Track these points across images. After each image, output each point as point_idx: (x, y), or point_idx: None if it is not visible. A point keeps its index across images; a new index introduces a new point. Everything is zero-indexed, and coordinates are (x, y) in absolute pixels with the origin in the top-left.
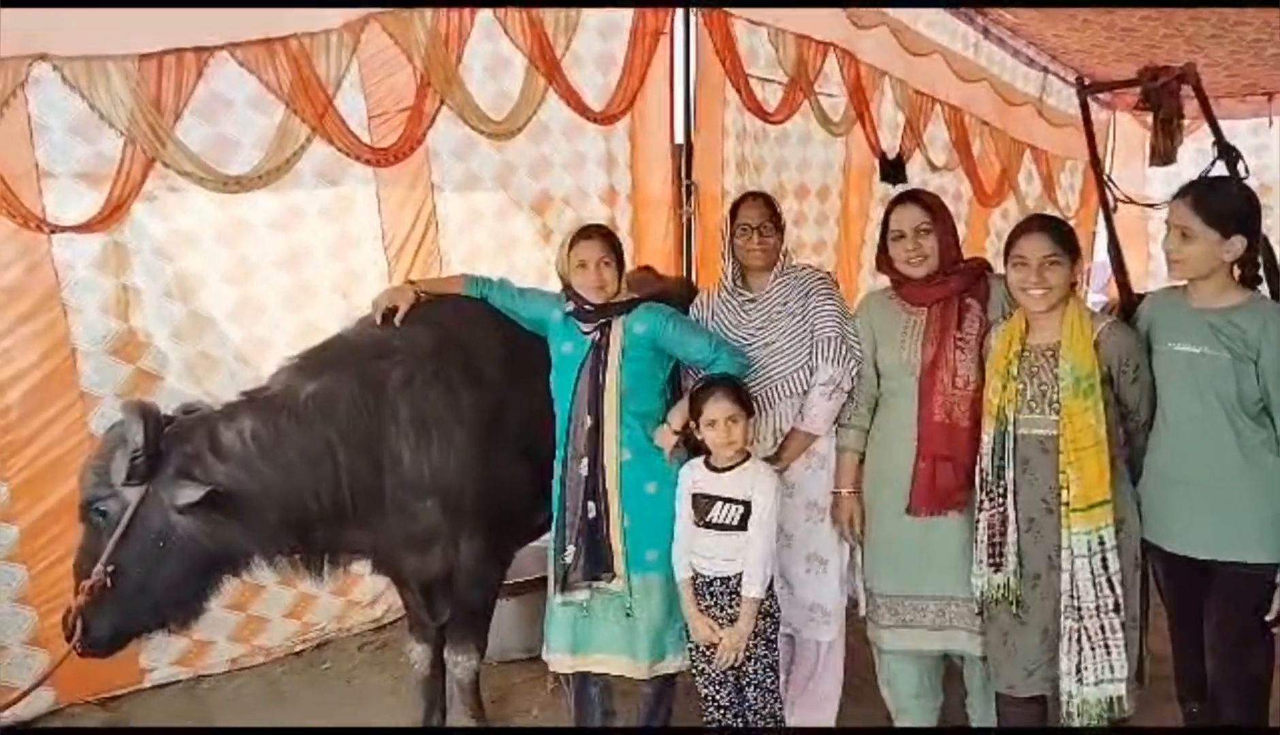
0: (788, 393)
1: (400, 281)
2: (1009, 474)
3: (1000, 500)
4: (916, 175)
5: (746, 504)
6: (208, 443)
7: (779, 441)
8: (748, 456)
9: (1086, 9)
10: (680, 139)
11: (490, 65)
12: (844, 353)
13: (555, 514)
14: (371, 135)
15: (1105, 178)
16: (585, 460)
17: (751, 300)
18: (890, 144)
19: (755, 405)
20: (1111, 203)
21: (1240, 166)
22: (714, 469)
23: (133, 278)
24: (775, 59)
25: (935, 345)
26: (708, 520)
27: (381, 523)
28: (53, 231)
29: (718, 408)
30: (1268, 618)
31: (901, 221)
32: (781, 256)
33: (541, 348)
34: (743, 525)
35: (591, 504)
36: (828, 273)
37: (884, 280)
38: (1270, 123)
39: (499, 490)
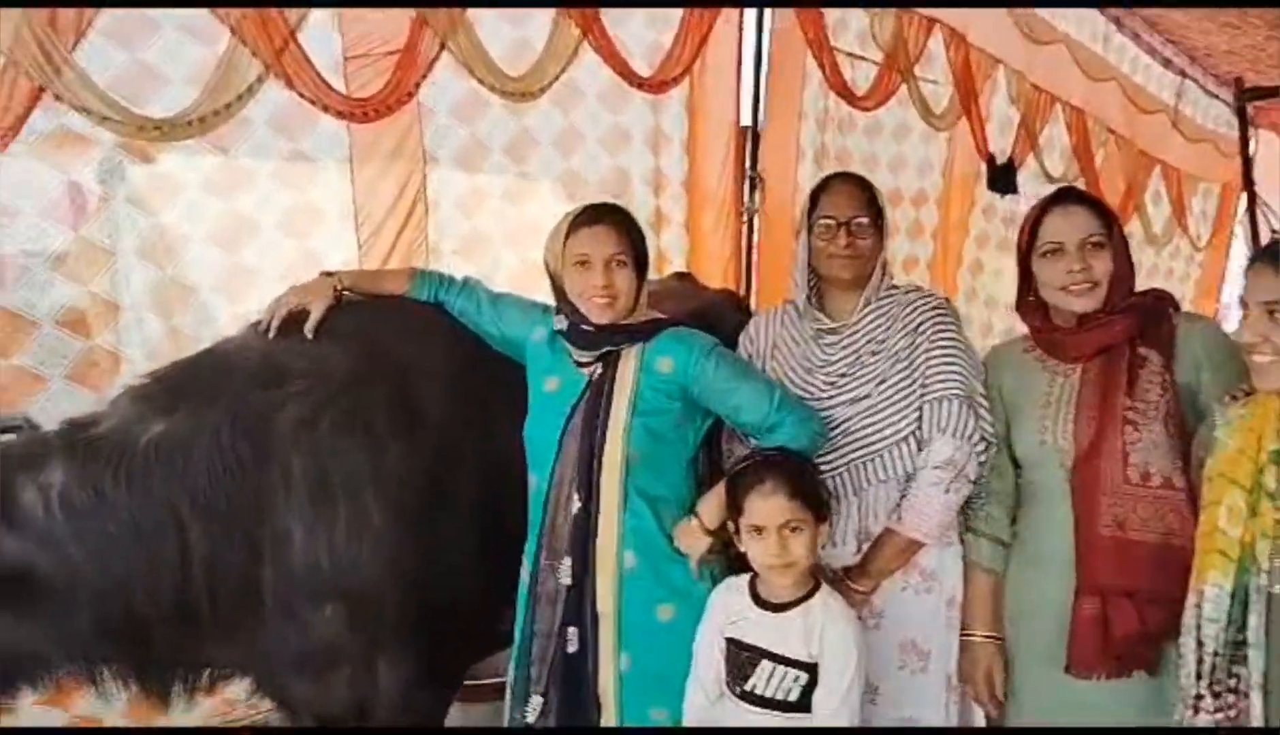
0: (883, 475)
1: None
2: (1258, 658)
3: (1236, 699)
4: (1028, 184)
5: (812, 669)
6: None
7: (865, 547)
8: (816, 586)
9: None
10: (747, 120)
11: (508, 10)
12: (969, 424)
13: (518, 641)
14: (347, 81)
15: (1260, 204)
16: (568, 562)
17: (833, 332)
18: (1000, 146)
19: (832, 497)
20: (1268, 232)
21: None
22: (762, 602)
23: None
24: (869, 32)
25: (1095, 421)
26: (748, 688)
27: (257, 634)
28: None
29: (769, 507)
30: None
31: (1061, 230)
32: (880, 270)
33: (518, 380)
34: (804, 703)
35: (572, 630)
36: (946, 298)
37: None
38: None
39: (440, 592)
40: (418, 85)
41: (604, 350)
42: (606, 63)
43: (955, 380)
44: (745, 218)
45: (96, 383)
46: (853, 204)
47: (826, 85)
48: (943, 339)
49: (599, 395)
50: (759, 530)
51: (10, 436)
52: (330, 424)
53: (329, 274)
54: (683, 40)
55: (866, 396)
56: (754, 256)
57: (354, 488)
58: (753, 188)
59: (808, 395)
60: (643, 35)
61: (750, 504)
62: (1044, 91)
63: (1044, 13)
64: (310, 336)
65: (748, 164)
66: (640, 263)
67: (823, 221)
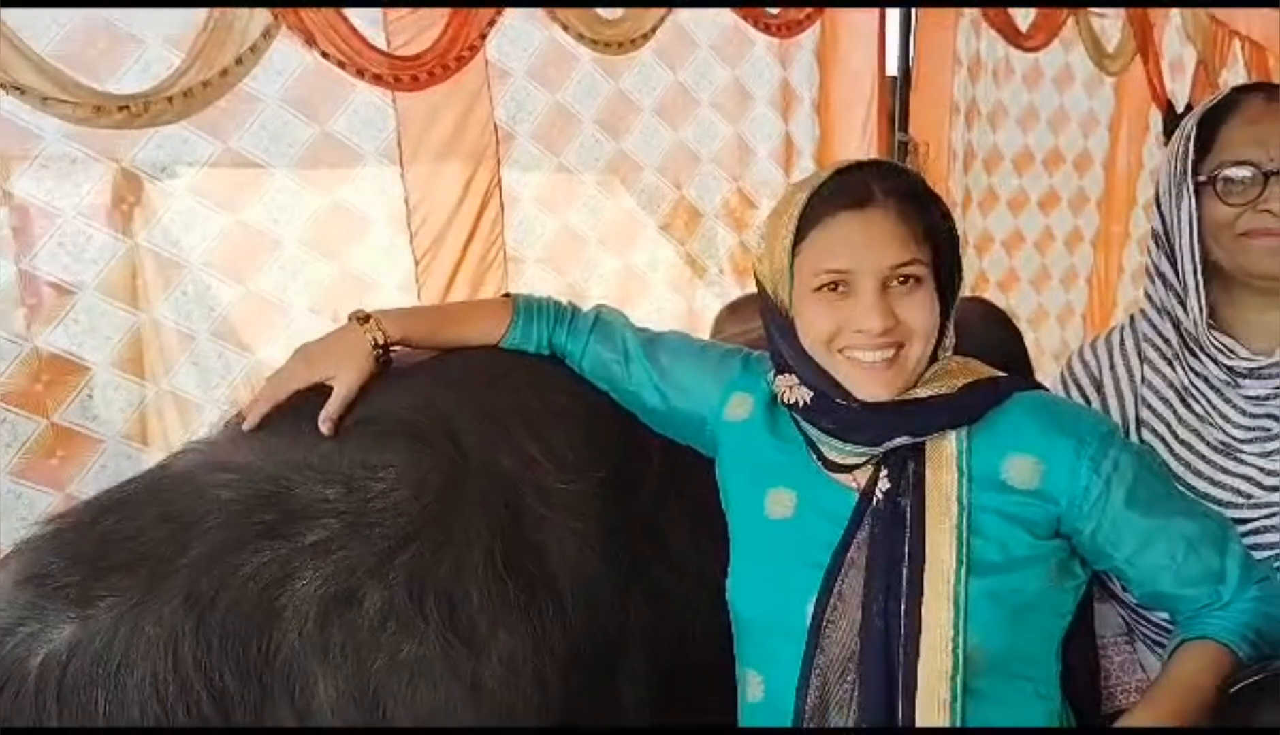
0: None
1: (440, 296)
2: None
3: None
4: None
5: None
6: None
7: None
8: None
9: None
10: (895, 69)
11: None
12: None
13: None
14: (389, 36)
15: None
16: None
17: (1251, 373)
18: (1173, 92)
19: None
20: None
21: None
22: None
23: None
24: None
25: None
26: None
27: None
28: None
29: None
30: None
31: None
32: None
33: (704, 483)
34: None
35: None
36: None
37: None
38: None
39: None
40: (483, 36)
41: (892, 444)
42: None
43: None
44: None
45: (54, 479)
46: None
47: (983, 22)
48: None
49: (890, 532)
50: None
51: None
52: (381, 607)
53: (363, 318)
54: None
55: None
56: None
57: (430, 723)
58: (902, 156)
59: (1237, 498)
60: None
61: None
62: (1222, 25)
63: None
64: (329, 433)
65: (895, 125)
66: (947, 273)
67: (1231, 172)
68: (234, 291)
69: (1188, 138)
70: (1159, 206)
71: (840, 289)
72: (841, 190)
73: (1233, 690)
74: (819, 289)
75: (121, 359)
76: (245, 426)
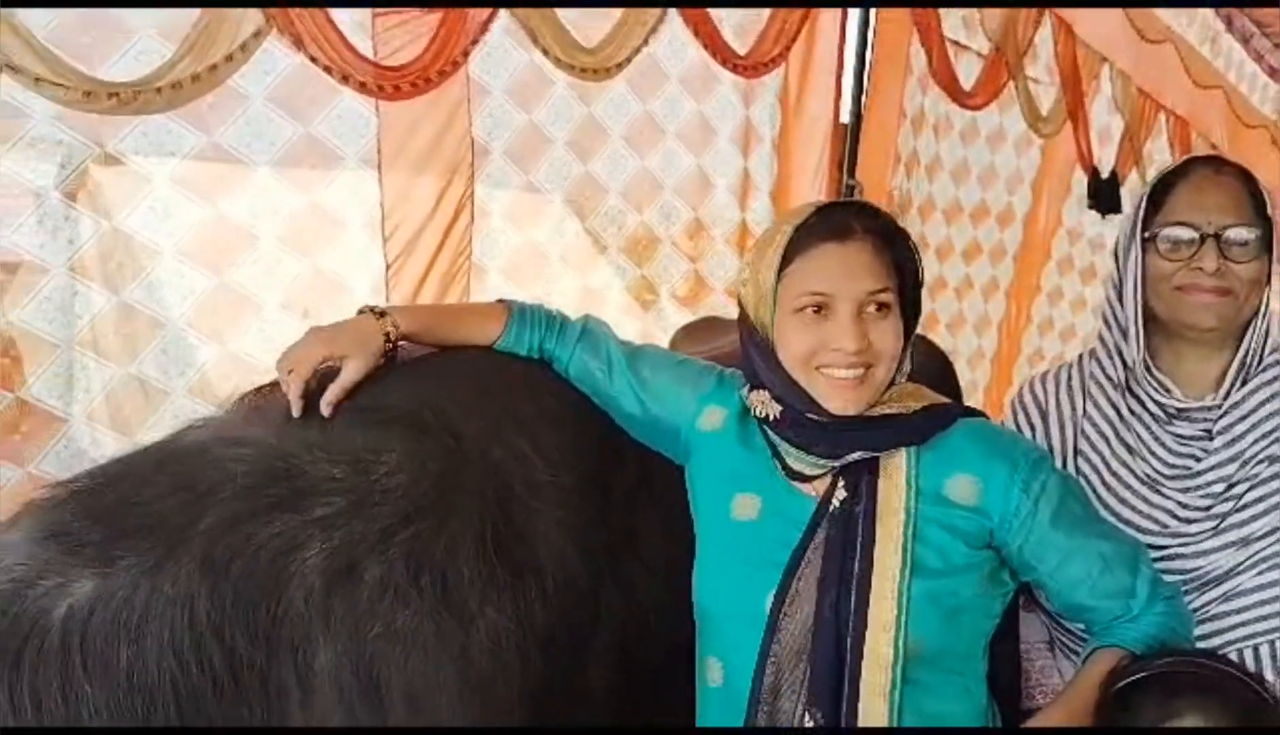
0: None
1: (405, 298)
2: None
3: None
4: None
5: None
6: None
7: None
8: None
9: None
10: (848, 116)
11: None
12: None
13: None
14: (375, 46)
15: None
16: None
17: (1185, 412)
18: (1099, 159)
19: None
20: None
21: None
22: None
23: None
24: (975, 18)
25: None
26: None
27: None
28: None
29: None
30: None
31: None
32: (1262, 320)
33: (675, 490)
34: None
35: None
36: None
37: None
38: None
39: None
40: (466, 53)
41: (849, 458)
42: (696, 35)
43: None
44: None
45: (16, 456)
46: (1228, 207)
47: (930, 78)
48: None
49: (844, 536)
50: None
51: None
52: (380, 579)
53: (377, 312)
54: (785, 13)
55: (1253, 533)
56: None
57: (420, 688)
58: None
59: (1155, 526)
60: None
61: None
62: (1149, 97)
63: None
64: (328, 414)
65: (845, 171)
66: (909, 308)
67: (1173, 232)
68: (208, 282)
69: (1142, 198)
70: (1115, 258)
71: (820, 311)
72: (826, 225)
73: (1115, 688)
74: (801, 310)
75: (88, 340)
76: (294, 412)
